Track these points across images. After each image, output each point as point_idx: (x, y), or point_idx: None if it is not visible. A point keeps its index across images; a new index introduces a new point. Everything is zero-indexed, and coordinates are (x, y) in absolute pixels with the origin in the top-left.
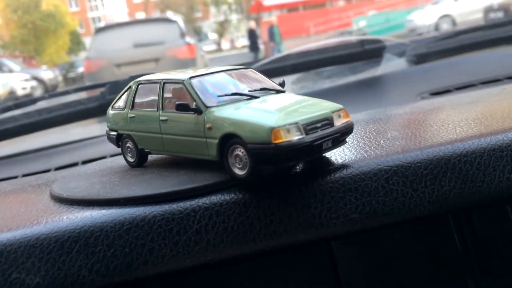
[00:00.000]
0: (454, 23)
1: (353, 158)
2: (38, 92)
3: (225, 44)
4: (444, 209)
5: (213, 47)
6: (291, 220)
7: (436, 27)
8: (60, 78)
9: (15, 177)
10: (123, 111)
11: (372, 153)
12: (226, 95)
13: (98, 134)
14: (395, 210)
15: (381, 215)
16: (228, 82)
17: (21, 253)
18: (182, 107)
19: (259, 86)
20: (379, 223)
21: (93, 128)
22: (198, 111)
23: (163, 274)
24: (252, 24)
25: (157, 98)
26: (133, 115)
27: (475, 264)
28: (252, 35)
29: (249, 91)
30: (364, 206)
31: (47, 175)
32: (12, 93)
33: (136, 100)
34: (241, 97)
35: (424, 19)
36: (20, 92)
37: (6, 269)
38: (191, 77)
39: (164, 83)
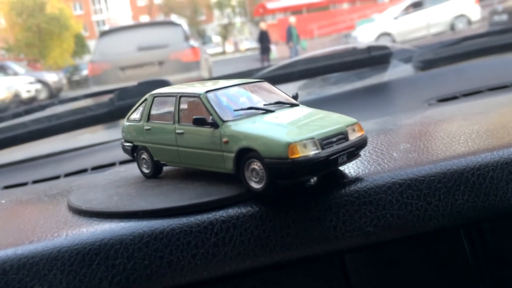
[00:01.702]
0: (393, 41)
1: (367, 171)
2: (43, 95)
3: (229, 47)
4: (458, 222)
5: (217, 50)
6: (307, 233)
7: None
8: (64, 81)
9: (25, 184)
10: (138, 123)
11: (386, 166)
12: (242, 109)
13: (107, 140)
14: (409, 223)
15: (396, 229)
16: (243, 96)
17: (43, 265)
18: (199, 122)
19: (273, 99)
20: (394, 236)
21: (102, 134)
22: (214, 125)
23: (181, 286)
24: (264, 26)
25: (173, 110)
26: (149, 127)
27: (486, 274)
28: (263, 37)
29: (264, 104)
30: (379, 220)
31: (61, 184)
32: (16, 96)
33: (152, 113)
34: (256, 111)
35: (364, 36)
36: (24, 95)
37: (29, 281)
38: (207, 91)
39: (180, 97)
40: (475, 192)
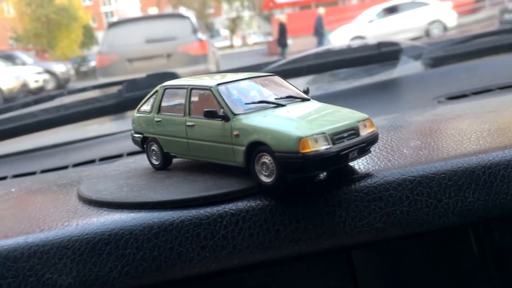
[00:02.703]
0: None
1: (377, 167)
2: (50, 85)
3: (237, 41)
4: (468, 220)
5: (225, 43)
6: (316, 228)
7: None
8: (72, 72)
9: (34, 173)
10: (149, 115)
11: (396, 162)
12: (253, 102)
13: (115, 131)
14: (419, 220)
15: (405, 225)
16: (254, 89)
17: (53, 254)
18: (210, 114)
19: (284, 93)
20: (403, 233)
21: (110, 125)
22: (225, 118)
23: (190, 277)
24: (283, 18)
25: (183, 103)
26: (160, 119)
27: (494, 272)
28: (283, 30)
29: (275, 98)
30: (388, 216)
31: (70, 174)
32: (24, 85)
33: (163, 105)
34: (267, 104)
35: (338, 39)
36: (32, 85)
37: (39, 270)
38: (218, 84)
39: (191, 89)
40: (486, 190)
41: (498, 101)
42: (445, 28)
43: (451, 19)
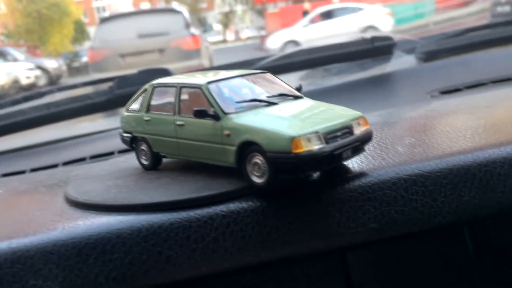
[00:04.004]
0: None
1: (371, 166)
2: (42, 81)
3: (230, 35)
4: (464, 219)
5: (218, 38)
6: (310, 229)
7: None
8: (64, 68)
9: (23, 172)
10: (138, 114)
11: (390, 161)
12: (244, 101)
13: (106, 129)
14: (414, 220)
15: (400, 225)
16: (245, 87)
17: (38, 259)
18: (200, 114)
19: (276, 91)
20: (398, 233)
21: (101, 122)
22: (216, 117)
23: (180, 281)
24: (308, 6)
25: (173, 101)
26: (149, 118)
27: (489, 271)
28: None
29: (267, 96)
30: (383, 216)
31: (58, 173)
32: (16, 82)
33: (152, 103)
34: (259, 103)
35: (273, 43)
36: (24, 81)
37: (23, 276)
38: (208, 82)
39: (181, 87)
40: (482, 189)
41: (492, 95)
42: None
43: (386, 24)
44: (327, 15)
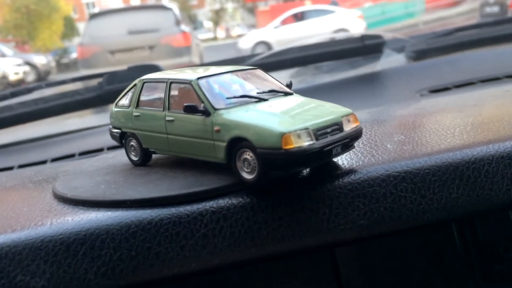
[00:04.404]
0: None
1: (361, 163)
2: (31, 77)
3: (220, 33)
4: (452, 216)
5: (208, 35)
6: (299, 225)
7: (252, 51)
8: (53, 64)
9: (11, 168)
10: (127, 109)
11: (380, 158)
12: (234, 97)
13: (95, 125)
14: (403, 216)
15: (389, 222)
16: (235, 83)
17: (26, 255)
18: (190, 109)
19: (267, 87)
20: (387, 229)
21: (90, 118)
22: (206, 113)
23: (169, 278)
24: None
25: (163, 97)
26: (138, 113)
27: (477, 268)
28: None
29: (257, 93)
30: (372, 212)
31: (47, 170)
32: (4, 78)
33: (141, 99)
34: (249, 99)
35: (244, 43)
36: (12, 77)
37: (11, 271)
38: (198, 78)
39: (171, 83)
40: (470, 186)
41: (480, 94)
42: None
43: (358, 27)
44: (299, 16)
